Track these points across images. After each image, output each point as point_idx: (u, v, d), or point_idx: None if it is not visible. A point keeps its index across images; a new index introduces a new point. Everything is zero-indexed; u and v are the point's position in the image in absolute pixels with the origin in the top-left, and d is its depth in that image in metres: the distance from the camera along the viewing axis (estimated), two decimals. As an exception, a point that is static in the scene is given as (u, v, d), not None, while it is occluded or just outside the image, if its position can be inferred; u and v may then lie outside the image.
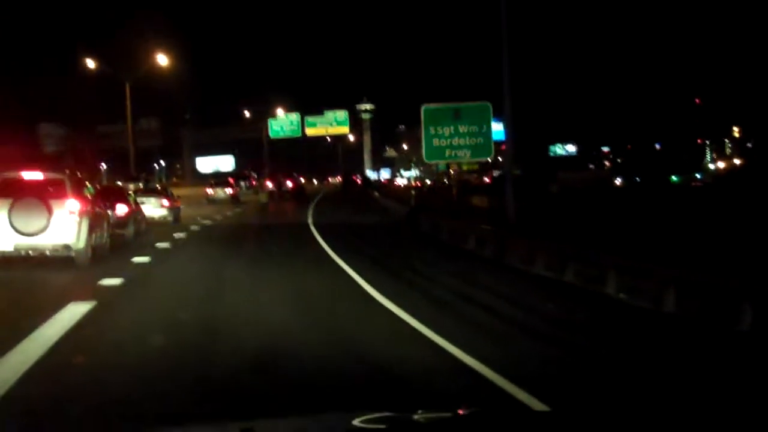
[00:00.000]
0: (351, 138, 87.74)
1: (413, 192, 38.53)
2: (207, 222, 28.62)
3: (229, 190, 47.24)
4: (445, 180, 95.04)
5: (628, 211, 27.37)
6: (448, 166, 33.18)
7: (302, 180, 65.06)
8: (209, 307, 10.43)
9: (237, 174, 50.89)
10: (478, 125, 24.73)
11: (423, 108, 25.61)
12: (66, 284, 12.21)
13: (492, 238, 16.98)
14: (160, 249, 17.89)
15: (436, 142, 25.41)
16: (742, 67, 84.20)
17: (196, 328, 8.78)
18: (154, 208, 27.30)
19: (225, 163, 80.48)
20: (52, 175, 14.32)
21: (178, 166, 79.33)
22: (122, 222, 20.04)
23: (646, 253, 11.86)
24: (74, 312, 9.38)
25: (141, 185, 37.10)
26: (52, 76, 53.88)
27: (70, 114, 60.85)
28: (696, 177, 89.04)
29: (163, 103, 65.53)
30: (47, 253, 13.58)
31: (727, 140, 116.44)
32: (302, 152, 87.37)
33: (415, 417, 3.03)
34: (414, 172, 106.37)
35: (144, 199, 26.60)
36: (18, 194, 13.34)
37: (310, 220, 29.69)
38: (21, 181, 13.96)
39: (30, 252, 13.54)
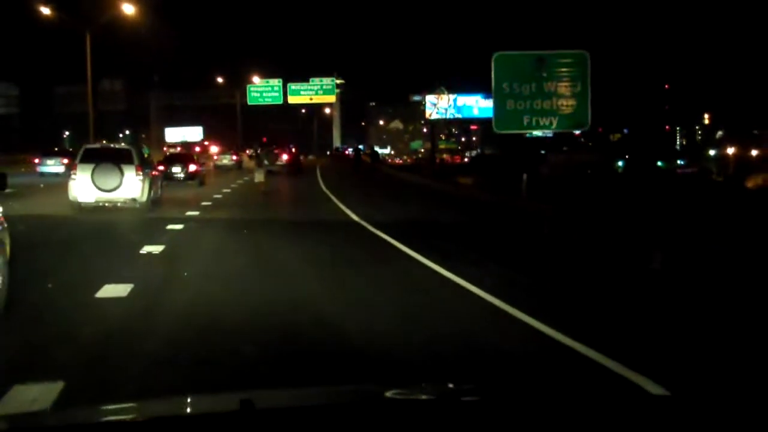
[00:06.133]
0: (327, 111, 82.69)
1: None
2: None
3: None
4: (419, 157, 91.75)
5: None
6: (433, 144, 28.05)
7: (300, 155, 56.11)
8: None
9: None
10: (570, 82, 19.47)
11: (494, 56, 19.91)
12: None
13: None
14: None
15: (510, 104, 20.11)
16: (713, 53, 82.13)
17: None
18: (227, 162, 50.24)
19: (193, 133, 76.06)
20: (122, 146, 20.88)
21: (143, 135, 73.32)
22: (193, 176, 29.92)
23: None
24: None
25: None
26: (4, 29, 48.33)
27: (24, 72, 55.20)
28: (678, 164, 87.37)
29: (129, 64, 59.74)
30: (118, 204, 17.80)
31: (697, 127, 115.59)
32: (277, 123, 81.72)
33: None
34: (387, 150, 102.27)
35: (222, 155, 52.90)
36: (98, 160, 17.80)
37: (354, 216, 17.74)
38: (100, 150, 19.09)
39: (106, 204, 17.77)
